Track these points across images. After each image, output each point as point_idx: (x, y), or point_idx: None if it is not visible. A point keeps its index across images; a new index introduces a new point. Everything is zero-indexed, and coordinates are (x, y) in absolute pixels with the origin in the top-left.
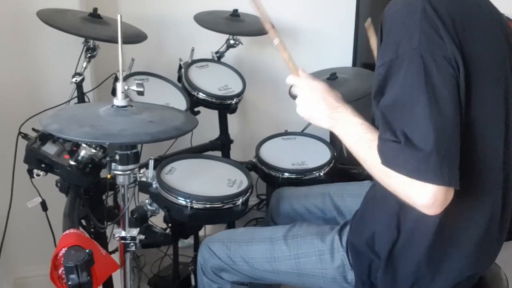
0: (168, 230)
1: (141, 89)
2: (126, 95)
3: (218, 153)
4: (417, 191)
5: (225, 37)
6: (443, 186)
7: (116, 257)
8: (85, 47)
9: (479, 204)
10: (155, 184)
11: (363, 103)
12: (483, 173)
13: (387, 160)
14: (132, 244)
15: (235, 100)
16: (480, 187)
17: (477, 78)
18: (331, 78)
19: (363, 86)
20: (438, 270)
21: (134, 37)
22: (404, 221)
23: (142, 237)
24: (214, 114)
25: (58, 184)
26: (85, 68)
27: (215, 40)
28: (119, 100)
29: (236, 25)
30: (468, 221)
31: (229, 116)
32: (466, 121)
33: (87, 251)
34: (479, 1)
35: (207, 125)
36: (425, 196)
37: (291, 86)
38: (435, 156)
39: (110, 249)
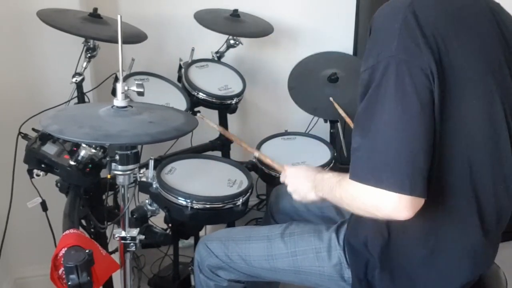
0: (168, 230)
1: (141, 90)
2: (126, 95)
3: (218, 153)
4: (383, 199)
5: (225, 37)
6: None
7: (116, 257)
8: (85, 47)
9: (469, 209)
10: (155, 184)
11: None
12: (471, 178)
13: (354, 172)
14: (132, 244)
15: (235, 100)
16: (469, 192)
17: (455, 91)
18: (332, 78)
19: None
20: (434, 274)
21: (134, 37)
22: (393, 222)
23: (142, 237)
24: (214, 114)
25: (58, 184)
26: (85, 68)
27: (215, 40)
28: (119, 101)
29: (236, 25)
30: (460, 225)
31: (229, 116)
32: (441, 132)
33: (87, 251)
34: (479, 6)
35: (207, 125)
36: (390, 203)
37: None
38: (397, 165)
39: (110, 249)
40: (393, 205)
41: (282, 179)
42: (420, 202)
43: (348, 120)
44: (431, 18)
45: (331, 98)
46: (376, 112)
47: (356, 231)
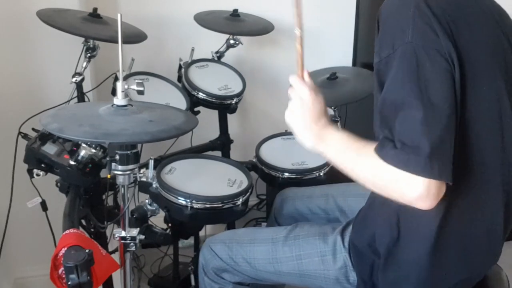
0: (168, 230)
1: (141, 89)
2: (126, 94)
3: (218, 153)
4: (409, 185)
5: (225, 37)
6: (434, 180)
7: (116, 257)
8: (85, 47)
9: (479, 204)
10: (155, 184)
11: (363, 104)
12: (481, 171)
13: (383, 154)
14: (132, 244)
15: (235, 100)
16: (479, 186)
17: (471, 75)
18: (331, 78)
19: (363, 87)
20: (439, 270)
21: (134, 37)
22: (404, 220)
23: (142, 237)
24: (214, 114)
25: (58, 184)
26: (85, 68)
27: (215, 40)
28: (119, 99)
29: (236, 25)
30: (469, 221)
31: (229, 116)
32: (461, 118)
33: (87, 251)
34: None
35: (207, 125)
36: (417, 189)
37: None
38: (426, 149)
39: (110, 249)
40: (420, 191)
41: (292, 81)
42: (443, 190)
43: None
44: (441, 4)
45: None
46: (398, 101)
47: (361, 232)
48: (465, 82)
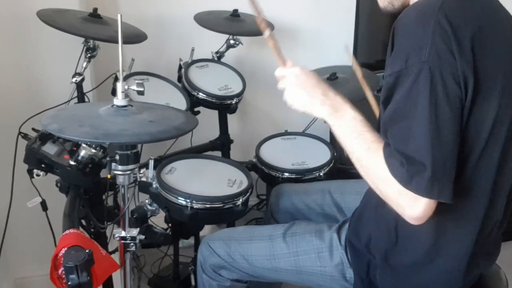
0: (168, 230)
1: (141, 89)
2: (126, 94)
3: (218, 153)
4: (409, 203)
5: (225, 37)
6: (433, 200)
7: (116, 257)
8: (85, 47)
9: (473, 213)
10: (155, 184)
11: (363, 104)
12: (476, 183)
13: (390, 165)
14: (132, 244)
15: (235, 100)
16: (471, 198)
17: (485, 95)
18: (331, 78)
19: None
20: (436, 271)
21: (134, 37)
22: (402, 225)
23: (142, 237)
24: (214, 114)
25: (58, 184)
26: (85, 68)
27: (215, 40)
28: (119, 100)
29: (236, 25)
30: (463, 227)
31: (229, 116)
32: (466, 136)
33: (87, 251)
34: (499, 11)
35: (207, 125)
36: (416, 208)
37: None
38: (429, 171)
39: (110, 249)
40: (420, 209)
41: (278, 73)
42: (435, 207)
43: (359, 74)
44: (464, 20)
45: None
46: (407, 118)
47: (358, 231)
48: (477, 102)
